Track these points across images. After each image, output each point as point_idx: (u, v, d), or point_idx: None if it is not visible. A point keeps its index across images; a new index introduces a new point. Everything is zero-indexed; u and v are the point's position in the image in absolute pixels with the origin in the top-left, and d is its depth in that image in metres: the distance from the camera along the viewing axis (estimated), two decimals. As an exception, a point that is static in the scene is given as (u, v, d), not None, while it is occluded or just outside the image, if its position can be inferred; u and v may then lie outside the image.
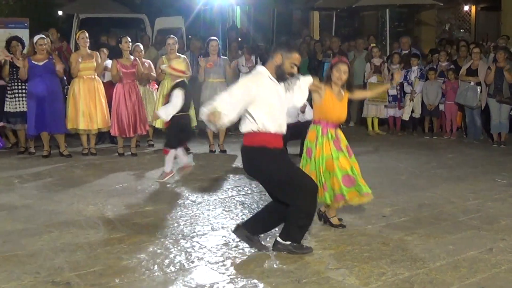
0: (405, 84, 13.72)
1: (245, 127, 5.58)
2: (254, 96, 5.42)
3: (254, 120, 5.48)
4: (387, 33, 17.41)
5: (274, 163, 5.53)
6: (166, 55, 11.28)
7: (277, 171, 5.54)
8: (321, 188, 6.30)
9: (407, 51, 14.70)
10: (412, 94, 13.57)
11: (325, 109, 6.47)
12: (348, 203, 6.47)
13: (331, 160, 6.36)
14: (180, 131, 8.82)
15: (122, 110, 10.67)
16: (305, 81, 6.05)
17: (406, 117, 13.83)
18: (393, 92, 13.78)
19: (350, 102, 15.05)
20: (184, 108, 8.75)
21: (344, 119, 6.85)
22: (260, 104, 5.45)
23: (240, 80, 5.90)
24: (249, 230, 5.80)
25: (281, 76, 5.58)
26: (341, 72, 6.45)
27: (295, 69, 5.64)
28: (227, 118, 5.32)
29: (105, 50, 11.38)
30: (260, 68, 5.72)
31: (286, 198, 5.59)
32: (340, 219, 6.69)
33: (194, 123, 10.72)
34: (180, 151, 8.99)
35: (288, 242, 5.67)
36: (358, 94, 7.20)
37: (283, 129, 5.64)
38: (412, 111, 13.73)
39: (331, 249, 5.87)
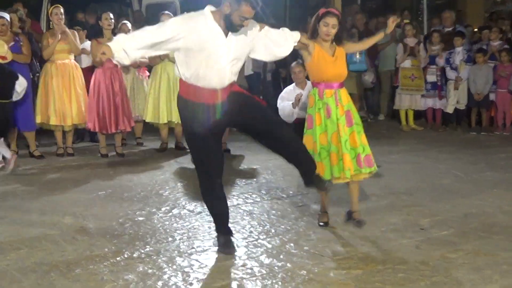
0: (448, 68, 13.69)
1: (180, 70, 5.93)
2: (180, 40, 5.65)
3: (178, 68, 5.89)
4: (424, 6, 17.40)
5: (188, 122, 5.99)
6: None
7: (187, 133, 6.18)
8: (326, 161, 6.69)
9: (449, 29, 14.68)
10: (457, 81, 13.54)
11: (317, 68, 6.63)
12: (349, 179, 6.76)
13: (324, 133, 6.64)
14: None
15: (102, 101, 10.68)
16: (293, 36, 6.35)
17: (450, 109, 13.81)
18: (432, 78, 13.78)
19: (379, 90, 15.28)
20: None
21: (345, 76, 6.82)
22: (190, 51, 5.70)
23: (170, 20, 6.01)
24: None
25: (229, 27, 5.72)
26: (329, 26, 6.53)
27: (246, 22, 5.73)
28: (118, 48, 5.54)
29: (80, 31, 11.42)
30: (205, 10, 5.80)
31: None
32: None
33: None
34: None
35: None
36: (350, 47, 7.22)
37: (217, 83, 5.81)
38: (457, 102, 13.71)
39: (358, 269, 5.86)
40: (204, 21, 5.68)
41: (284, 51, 6.33)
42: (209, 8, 5.78)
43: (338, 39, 6.71)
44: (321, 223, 7.07)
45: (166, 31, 5.64)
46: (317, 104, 6.61)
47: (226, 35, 5.74)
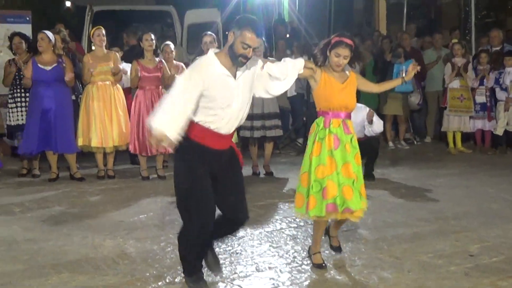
0: (498, 89, 13.60)
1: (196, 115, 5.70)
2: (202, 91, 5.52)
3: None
4: (472, 25, 17.32)
5: (185, 164, 5.74)
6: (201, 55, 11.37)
7: (180, 174, 5.81)
8: (318, 196, 6.32)
9: (498, 48, 14.59)
10: (507, 102, 13.44)
11: (324, 95, 6.40)
12: (341, 216, 6.45)
13: (329, 158, 6.30)
14: None
15: (143, 122, 10.72)
16: (296, 66, 6.14)
17: (499, 131, 13.67)
18: (481, 99, 13.70)
19: (426, 112, 15.19)
20: None
21: (353, 108, 6.53)
22: (205, 97, 5.55)
23: (184, 73, 5.88)
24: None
25: (232, 58, 5.58)
26: (340, 57, 6.32)
27: (249, 51, 5.55)
28: (174, 134, 5.43)
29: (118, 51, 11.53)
30: (210, 55, 5.70)
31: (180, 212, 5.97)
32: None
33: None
34: None
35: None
36: (364, 84, 6.81)
37: (228, 129, 5.72)
38: (507, 124, 13.61)
39: (405, 296, 5.87)
40: (212, 68, 5.55)
41: (281, 88, 6.16)
42: (212, 51, 5.69)
43: (357, 58, 6.57)
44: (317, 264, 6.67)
45: (192, 94, 5.48)
46: (319, 134, 6.34)
47: (235, 76, 5.63)
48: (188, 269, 5.95)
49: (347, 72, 6.51)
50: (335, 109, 6.35)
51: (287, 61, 6.24)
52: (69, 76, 10.78)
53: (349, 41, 6.35)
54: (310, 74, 6.30)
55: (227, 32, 5.61)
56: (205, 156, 5.63)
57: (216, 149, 5.66)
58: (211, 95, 5.51)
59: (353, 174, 6.31)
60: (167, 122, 5.40)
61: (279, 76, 6.07)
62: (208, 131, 5.59)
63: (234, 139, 10.81)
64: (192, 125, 5.60)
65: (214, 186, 5.76)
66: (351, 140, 6.37)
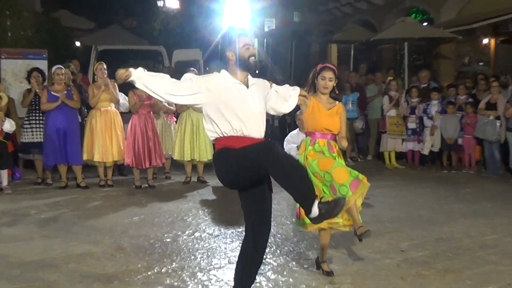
0: (425, 118, 13.79)
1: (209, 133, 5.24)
2: (203, 89, 5.07)
3: (213, 123, 5.11)
4: (405, 66, 17.52)
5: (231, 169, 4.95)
6: None
7: (229, 179, 5.09)
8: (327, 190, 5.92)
9: (426, 84, 14.79)
10: (432, 129, 13.63)
11: (312, 119, 6.11)
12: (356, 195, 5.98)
13: (322, 159, 5.91)
14: None
15: (138, 141, 10.79)
16: (295, 91, 5.80)
17: (426, 151, 13.85)
18: (412, 125, 13.86)
19: (368, 135, 15.28)
20: None
21: (337, 131, 6.12)
22: (216, 103, 5.07)
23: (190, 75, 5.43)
24: None
25: (245, 65, 5.17)
26: (326, 79, 6.06)
27: (251, 49, 5.18)
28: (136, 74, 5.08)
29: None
30: (222, 71, 5.24)
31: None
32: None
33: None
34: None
35: None
36: (343, 126, 6.21)
37: (258, 133, 5.12)
38: (431, 145, 13.77)
39: (348, 284, 5.90)
40: (224, 79, 5.11)
41: (288, 107, 5.73)
42: (223, 70, 5.22)
43: (339, 88, 6.30)
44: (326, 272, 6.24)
45: (182, 85, 5.12)
46: (306, 151, 6.05)
47: (247, 86, 5.16)
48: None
49: (336, 102, 6.21)
50: (321, 130, 6.08)
51: (287, 86, 5.86)
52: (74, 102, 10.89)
53: (332, 66, 6.15)
54: (303, 100, 5.98)
55: (227, 53, 5.21)
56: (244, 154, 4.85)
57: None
58: (229, 104, 5.00)
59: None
60: (144, 75, 5.08)
61: (284, 95, 5.68)
62: (241, 138, 4.98)
63: (211, 155, 10.93)
64: (221, 140, 5.07)
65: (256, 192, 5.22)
66: (335, 158, 6.05)
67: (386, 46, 23.14)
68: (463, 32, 19.23)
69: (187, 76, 5.36)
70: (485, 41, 21.60)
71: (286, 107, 5.74)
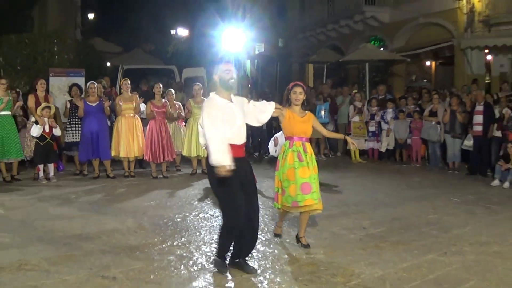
0: (382, 122, 13.84)
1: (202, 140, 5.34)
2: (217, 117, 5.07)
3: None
4: (366, 82, 17.56)
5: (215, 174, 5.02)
6: (193, 98, 11.43)
7: (217, 181, 5.12)
8: (280, 194, 6.06)
9: (383, 96, 14.83)
10: (388, 131, 13.67)
11: (289, 126, 6.13)
12: (302, 209, 6.01)
13: (292, 169, 5.95)
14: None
15: (154, 141, 10.78)
16: (271, 105, 5.87)
17: (383, 149, 13.91)
18: (372, 128, 13.93)
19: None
20: None
21: (309, 134, 6.22)
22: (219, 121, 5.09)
23: (204, 113, 5.17)
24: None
25: (225, 86, 5.26)
26: (297, 93, 6.14)
27: (231, 73, 5.27)
28: (228, 161, 4.94)
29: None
30: (211, 95, 5.34)
31: (220, 208, 5.51)
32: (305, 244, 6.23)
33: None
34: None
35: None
36: (317, 125, 6.39)
37: (239, 141, 5.25)
38: (387, 144, 13.82)
39: (322, 254, 5.91)
40: (216, 101, 5.19)
41: (266, 117, 5.80)
42: (212, 93, 5.32)
43: (307, 103, 6.37)
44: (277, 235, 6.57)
45: (218, 123, 5.01)
46: (286, 152, 6.07)
47: (231, 102, 5.28)
48: (220, 253, 5.37)
49: (307, 112, 6.24)
50: (297, 134, 6.10)
51: (264, 102, 5.97)
52: (105, 108, 10.90)
53: (300, 83, 6.30)
54: (280, 112, 6.03)
55: (213, 76, 5.36)
56: (234, 162, 4.98)
57: (239, 157, 5.13)
58: (224, 120, 5.10)
59: (308, 177, 5.97)
60: (219, 156, 4.92)
61: (261, 108, 5.76)
62: (230, 146, 5.05)
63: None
64: None
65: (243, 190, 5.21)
66: (310, 156, 6.09)
67: (351, 66, 23.19)
68: (411, 56, 19.41)
69: (206, 112, 5.13)
70: (428, 63, 21.72)
71: (264, 117, 5.81)
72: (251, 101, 5.77)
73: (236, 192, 5.13)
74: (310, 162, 6.06)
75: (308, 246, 6.15)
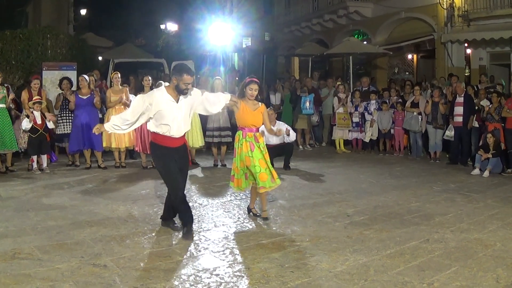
0: (366, 113, 13.79)
1: (149, 126, 5.97)
2: (147, 107, 5.75)
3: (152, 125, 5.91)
4: (350, 74, 17.54)
5: (158, 157, 5.95)
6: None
7: (158, 164, 6.03)
8: (242, 178, 6.62)
9: (366, 88, 14.78)
10: (371, 122, 13.64)
11: (242, 117, 6.55)
12: (261, 191, 6.51)
13: (248, 157, 6.43)
14: None
15: (143, 132, 10.64)
16: (225, 97, 6.36)
17: (367, 139, 13.87)
18: (356, 119, 13.86)
19: (322, 127, 15.25)
20: None
21: (260, 125, 6.68)
22: (155, 112, 5.76)
23: (140, 96, 6.20)
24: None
25: (180, 92, 5.76)
26: (252, 90, 6.53)
27: (188, 86, 5.75)
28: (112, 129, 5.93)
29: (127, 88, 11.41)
30: (162, 87, 5.92)
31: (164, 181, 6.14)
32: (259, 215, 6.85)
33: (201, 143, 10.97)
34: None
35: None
36: (266, 117, 6.78)
37: (179, 134, 5.88)
38: (371, 135, 13.78)
39: (307, 242, 5.88)
40: (161, 94, 5.76)
41: (216, 109, 6.32)
42: (164, 85, 5.96)
43: (261, 101, 6.78)
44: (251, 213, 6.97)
45: (138, 109, 5.77)
46: (240, 141, 6.51)
47: (177, 101, 5.77)
48: (166, 216, 6.34)
49: (259, 104, 6.66)
50: (248, 126, 6.53)
51: (219, 94, 6.55)
52: (96, 99, 10.78)
53: (256, 79, 6.66)
54: (234, 104, 6.47)
55: (173, 78, 5.78)
56: (168, 151, 5.82)
57: (173, 147, 5.86)
58: (162, 113, 5.72)
59: (264, 165, 6.47)
60: (109, 126, 5.94)
61: (214, 101, 6.25)
62: (165, 137, 5.82)
63: (201, 142, 10.97)
64: (155, 135, 5.88)
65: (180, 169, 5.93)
66: (260, 146, 6.52)
67: (335, 59, 23.22)
68: (393, 49, 19.46)
69: (138, 98, 6.05)
70: (410, 56, 21.75)
71: (214, 109, 6.31)
72: (205, 92, 6.23)
73: (170, 167, 5.82)
74: (263, 149, 6.54)
75: (267, 219, 6.70)
